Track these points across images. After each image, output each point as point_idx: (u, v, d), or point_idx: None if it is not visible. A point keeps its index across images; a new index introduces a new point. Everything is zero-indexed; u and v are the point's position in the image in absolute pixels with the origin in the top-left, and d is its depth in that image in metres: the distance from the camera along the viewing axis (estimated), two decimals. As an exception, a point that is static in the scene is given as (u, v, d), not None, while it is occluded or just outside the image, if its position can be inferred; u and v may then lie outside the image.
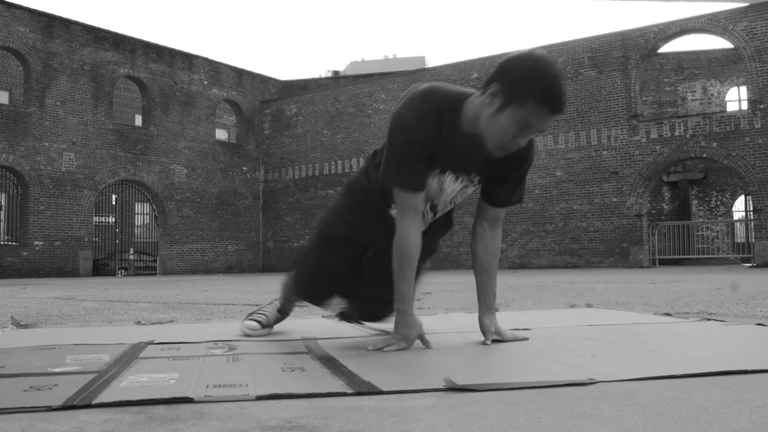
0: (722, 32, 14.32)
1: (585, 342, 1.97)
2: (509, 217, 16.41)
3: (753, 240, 15.13)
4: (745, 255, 16.14)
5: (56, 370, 1.57)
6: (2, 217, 18.02)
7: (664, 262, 15.73)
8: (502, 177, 1.90)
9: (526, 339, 2.02)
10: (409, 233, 1.80)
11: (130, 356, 1.79)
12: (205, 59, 20.26)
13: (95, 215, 18.23)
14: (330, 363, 1.61)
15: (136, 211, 22.05)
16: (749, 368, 1.42)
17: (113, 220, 19.63)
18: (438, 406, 1.15)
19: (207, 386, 1.32)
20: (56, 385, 1.36)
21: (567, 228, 15.83)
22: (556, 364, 1.57)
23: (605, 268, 14.70)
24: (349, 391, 1.26)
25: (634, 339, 2.04)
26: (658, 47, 15.55)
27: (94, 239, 17.89)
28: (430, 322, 2.74)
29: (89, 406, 1.17)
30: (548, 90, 1.59)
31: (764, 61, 13.86)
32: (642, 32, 15.26)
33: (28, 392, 1.30)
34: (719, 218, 20.04)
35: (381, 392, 1.26)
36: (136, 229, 22.60)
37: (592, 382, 1.31)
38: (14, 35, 15.95)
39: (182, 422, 1.05)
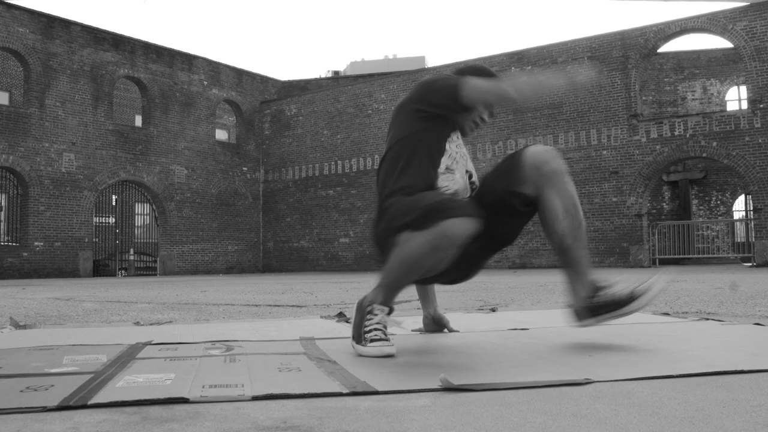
0: (722, 32, 14.31)
1: (582, 342, 1.97)
2: (509, 217, 16.37)
3: (753, 239, 15.12)
4: (745, 254, 16.14)
5: (53, 370, 1.57)
6: (2, 218, 18.01)
7: (664, 262, 15.72)
8: None
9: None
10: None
11: (127, 357, 1.79)
12: (205, 59, 20.25)
13: (95, 216, 18.22)
14: (327, 363, 1.61)
15: (137, 212, 22.03)
16: (746, 368, 1.42)
17: (113, 220, 19.61)
18: (433, 406, 1.15)
19: (203, 386, 1.33)
20: (53, 385, 1.36)
21: (567, 228, 15.80)
22: (553, 364, 1.57)
23: (605, 267, 14.69)
24: (344, 391, 1.26)
25: (632, 339, 2.04)
26: (658, 47, 15.54)
27: (94, 240, 17.88)
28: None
29: (85, 406, 1.17)
30: None
31: (764, 61, 13.86)
32: (642, 32, 15.25)
33: (24, 393, 1.30)
34: (719, 218, 20.03)
35: (376, 392, 1.26)
36: (136, 229, 22.59)
37: (588, 382, 1.31)
38: (14, 36, 15.95)
39: (177, 422, 1.06)
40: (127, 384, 1.37)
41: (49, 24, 16.71)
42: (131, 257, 19.83)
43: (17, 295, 6.54)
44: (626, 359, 1.64)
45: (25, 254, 15.93)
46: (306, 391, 1.25)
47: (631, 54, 15.31)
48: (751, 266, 13.32)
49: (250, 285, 8.60)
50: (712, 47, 20.35)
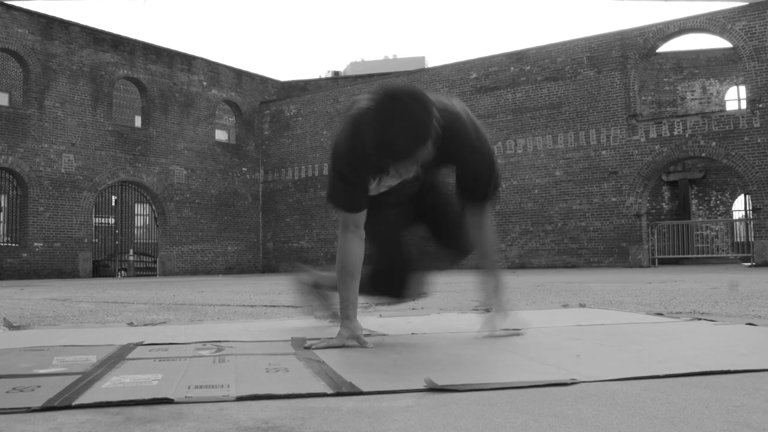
0: (721, 32, 14.31)
1: (572, 342, 1.97)
2: (508, 217, 16.41)
3: (752, 239, 15.12)
4: (745, 254, 16.13)
5: (41, 371, 1.57)
6: (2, 219, 18.02)
7: (663, 262, 15.72)
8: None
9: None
10: (352, 247, 1.98)
11: (117, 357, 1.79)
12: (205, 60, 20.27)
13: (95, 216, 18.24)
14: (315, 363, 1.62)
15: (136, 212, 22.05)
16: (732, 368, 1.42)
17: (113, 221, 19.63)
18: (416, 406, 1.15)
19: (189, 387, 1.33)
20: (39, 386, 1.36)
21: (566, 228, 15.83)
22: (540, 365, 1.57)
23: (604, 267, 14.69)
24: (329, 392, 1.26)
25: (622, 339, 2.04)
26: (657, 47, 15.54)
27: (93, 240, 17.90)
28: (421, 322, 2.74)
29: (69, 407, 1.17)
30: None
31: (763, 61, 13.85)
32: (641, 32, 15.25)
33: (10, 393, 1.30)
34: (719, 217, 20.02)
35: (361, 393, 1.26)
36: (135, 230, 22.60)
37: (573, 383, 1.31)
38: (13, 37, 15.96)
39: (159, 423, 1.06)
40: (113, 384, 1.37)
41: (49, 25, 16.72)
42: (131, 258, 19.85)
43: (15, 295, 6.55)
44: (614, 359, 1.64)
45: (25, 255, 15.94)
46: (291, 392, 1.25)
47: (630, 54, 15.31)
48: (750, 266, 13.31)
49: (248, 285, 8.61)
50: (712, 47, 20.34)
